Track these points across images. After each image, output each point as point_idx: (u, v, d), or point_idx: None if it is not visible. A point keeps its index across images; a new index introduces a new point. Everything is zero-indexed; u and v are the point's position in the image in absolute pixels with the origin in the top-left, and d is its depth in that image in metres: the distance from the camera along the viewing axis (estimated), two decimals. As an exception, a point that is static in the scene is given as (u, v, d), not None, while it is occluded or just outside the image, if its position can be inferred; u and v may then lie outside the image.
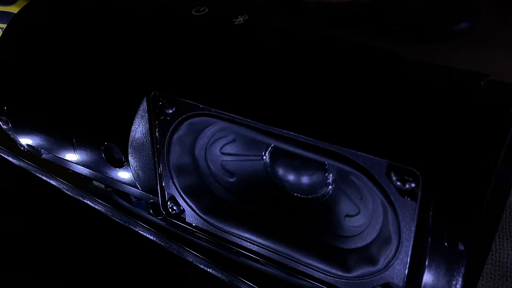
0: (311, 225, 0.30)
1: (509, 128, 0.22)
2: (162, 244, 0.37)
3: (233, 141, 0.32)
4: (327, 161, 0.27)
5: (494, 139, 0.22)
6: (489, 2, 0.47)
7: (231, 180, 0.32)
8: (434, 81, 0.26)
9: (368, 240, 0.28)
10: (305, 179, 0.30)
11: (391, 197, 0.23)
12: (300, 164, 0.30)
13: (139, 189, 0.34)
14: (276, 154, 0.31)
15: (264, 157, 0.31)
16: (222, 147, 0.32)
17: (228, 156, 0.32)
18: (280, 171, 0.31)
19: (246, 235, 0.31)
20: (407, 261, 0.24)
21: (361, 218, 0.28)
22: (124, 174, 0.33)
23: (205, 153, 0.31)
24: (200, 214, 0.32)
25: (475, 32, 0.45)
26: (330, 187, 0.30)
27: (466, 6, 0.46)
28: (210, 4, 0.34)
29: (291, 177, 0.30)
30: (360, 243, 0.28)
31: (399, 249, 0.25)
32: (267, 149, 0.31)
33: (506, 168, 0.24)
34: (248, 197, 0.32)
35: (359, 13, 0.48)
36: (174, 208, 0.33)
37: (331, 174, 0.29)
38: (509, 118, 0.23)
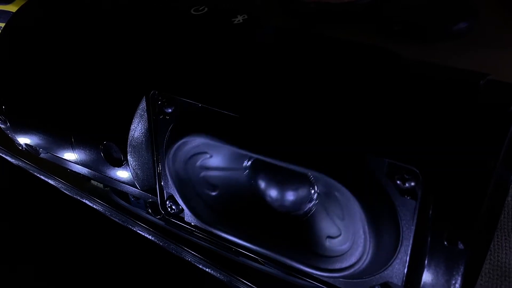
0: (294, 241, 0.29)
1: (508, 127, 0.22)
2: (161, 243, 0.37)
3: (211, 156, 0.30)
4: (309, 171, 0.26)
5: (494, 138, 0.22)
6: (488, 2, 0.47)
7: (213, 194, 0.31)
8: (433, 81, 0.26)
9: (352, 261, 0.26)
10: (288, 193, 0.29)
11: (391, 196, 0.23)
12: (284, 176, 0.28)
13: (138, 189, 0.34)
14: (259, 166, 0.29)
15: (246, 170, 0.30)
16: (202, 160, 0.30)
17: (209, 170, 0.30)
18: (263, 183, 0.29)
19: (238, 240, 0.30)
20: (406, 260, 0.24)
21: (343, 239, 0.27)
22: (123, 173, 0.33)
23: (185, 165, 0.30)
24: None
25: (474, 32, 0.45)
26: (313, 202, 0.28)
27: (465, 6, 0.46)
28: (210, 3, 0.34)
29: (274, 190, 0.29)
30: (344, 263, 0.26)
31: (399, 248, 0.24)
32: (248, 160, 0.30)
33: (505, 167, 0.24)
34: (231, 211, 0.30)
35: (359, 12, 0.47)
36: (173, 207, 0.33)
37: (315, 189, 0.28)
38: (508, 117, 0.23)
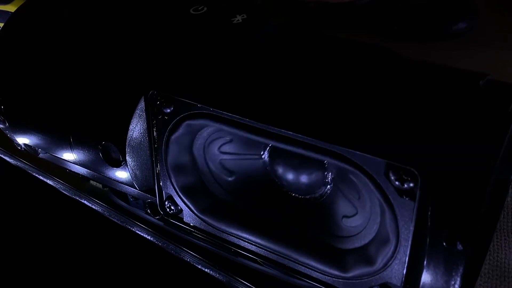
0: (309, 225, 0.30)
1: (507, 127, 0.22)
2: (160, 244, 0.36)
3: (231, 140, 0.31)
4: (326, 159, 0.27)
5: (493, 138, 0.22)
6: (488, 2, 0.47)
7: (230, 179, 0.32)
8: (433, 81, 0.26)
9: (366, 240, 0.27)
10: (303, 178, 0.30)
11: (390, 197, 0.23)
12: (299, 163, 0.30)
13: (137, 189, 0.34)
14: (275, 153, 0.31)
15: (263, 156, 0.31)
16: (221, 146, 0.32)
17: (227, 155, 0.32)
18: (279, 170, 0.31)
19: (244, 234, 0.31)
20: (405, 261, 0.24)
21: (359, 219, 0.28)
22: (121, 174, 0.33)
23: (203, 151, 0.31)
24: (198, 214, 0.32)
25: (474, 31, 0.45)
26: (328, 186, 0.30)
27: (465, 6, 0.46)
28: (209, 3, 0.34)
29: (289, 176, 0.30)
30: (358, 243, 0.28)
31: (398, 249, 0.24)
32: (265, 148, 0.31)
33: (504, 168, 0.24)
34: (247, 196, 0.32)
35: (359, 12, 0.47)
36: (172, 208, 0.32)
37: (330, 173, 0.29)
38: (507, 117, 0.23)
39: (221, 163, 0.32)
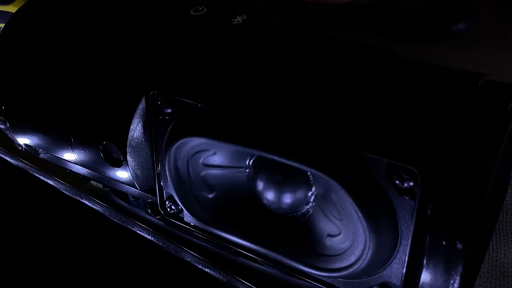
0: (292, 244, 0.29)
1: (507, 127, 0.22)
2: (160, 244, 0.37)
3: (215, 153, 0.30)
4: (309, 170, 0.26)
5: (492, 138, 0.22)
6: (488, 2, 0.47)
7: (210, 196, 0.31)
8: (432, 81, 0.26)
9: (351, 260, 0.26)
10: (287, 195, 0.28)
11: (390, 196, 0.23)
12: (283, 177, 0.28)
13: (137, 189, 0.34)
14: (259, 165, 0.29)
15: (247, 170, 0.30)
16: (205, 158, 0.30)
17: (211, 168, 0.30)
18: (261, 184, 0.29)
19: (237, 239, 0.30)
20: (405, 260, 0.24)
21: (343, 238, 0.27)
22: (122, 174, 0.33)
23: (187, 163, 0.30)
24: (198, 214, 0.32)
25: (474, 32, 0.45)
26: (310, 205, 0.29)
27: (465, 6, 0.46)
28: (210, 4, 0.34)
29: (271, 191, 0.28)
30: (343, 263, 0.26)
31: (397, 248, 0.25)
32: (250, 159, 0.30)
33: (503, 167, 0.24)
34: (227, 214, 0.30)
35: (359, 12, 0.48)
36: (173, 207, 0.33)
37: (313, 190, 0.28)
38: (507, 117, 0.23)
39: (203, 177, 0.31)
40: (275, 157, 0.25)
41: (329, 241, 0.28)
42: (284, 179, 0.28)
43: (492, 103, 0.24)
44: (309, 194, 0.28)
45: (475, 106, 0.24)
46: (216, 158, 0.30)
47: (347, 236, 0.26)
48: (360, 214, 0.23)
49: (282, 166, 0.26)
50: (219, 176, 0.31)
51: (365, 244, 0.24)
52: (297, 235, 0.29)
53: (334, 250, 0.27)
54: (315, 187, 0.28)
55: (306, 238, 0.28)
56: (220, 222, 0.30)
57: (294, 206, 0.29)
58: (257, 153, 0.27)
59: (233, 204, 0.30)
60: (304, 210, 0.29)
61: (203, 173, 0.30)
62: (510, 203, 0.35)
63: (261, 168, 0.29)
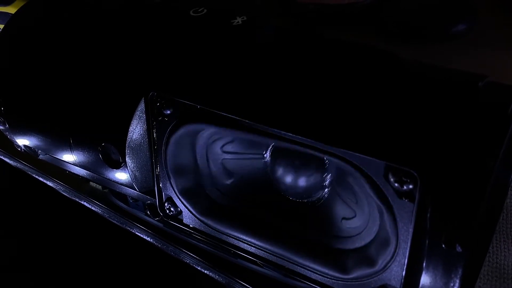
0: (308, 228, 0.30)
1: (507, 129, 0.22)
2: (159, 245, 0.36)
3: (234, 140, 0.31)
4: (327, 158, 0.27)
5: (492, 140, 0.22)
6: (488, 4, 0.47)
7: (229, 182, 0.32)
8: (432, 82, 0.26)
9: (366, 240, 0.27)
10: (302, 181, 0.30)
11: (389, 198, 0.23)
12: (299, 164, 0.30)
13: (137, 190, 0.34)
14: (277, 153, 0.31)
15: (265, 156, 0.31)
16: (224, 145, 0.32)
17: (229, 155, 0.32)
18: (279, 171, 0.30)
19: (243, 236, 0.31)
20: (404, 263, 0.24)
21: (358, 221, 0.28)
22: (121, 175, 0.33)
23: (206, 151, 0.31)
24: (198, 216, 0.32)
25: (473, 33, 0.45)
26: (326, 190, 0.30)
27: (465, 8, 0.46)
28: (209, 5, 0.34)
29: (289, 178, 0.30)
30: (358, 244, 0.28)
31: (397, 251, 0.24)
32: (268, 147, 0.31)
33: (503, 169, 0.24)
34: (245, 200, 0.32)
35: (358, 14, 0.47)
36: (172, 209, 0.32)
37: (329, 176, 0.29)
38: (507, 119, 0.23)
39: (223, 164, 0.32)
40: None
41: (344, 223, 0.29)
42: (301, 164, 0.29)
43: (492, 105, 0.24)
44: (325, 178, 0.29)
45: (475, 107, 0.24)
46: (234, 145, 0.31)
47: (362, 217, 0.27)
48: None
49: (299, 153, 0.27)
50: (237, 163, 0.32)
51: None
52: (312, 218, 0.30)
53: (349, 232, 0.28)
54: (330, 173, 0.29)
55: (321, 221, 0.29)
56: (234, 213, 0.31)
57: (311, 190, 0.30)
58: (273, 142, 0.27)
59: (251, 191, 0.31)
60: (320, 195, 0.30)
61: (222, 159, 0.32)
62: (510, 205, 0.35)
63: (280, 155, 0.30)
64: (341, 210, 0.29)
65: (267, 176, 0.31)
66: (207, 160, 0.32)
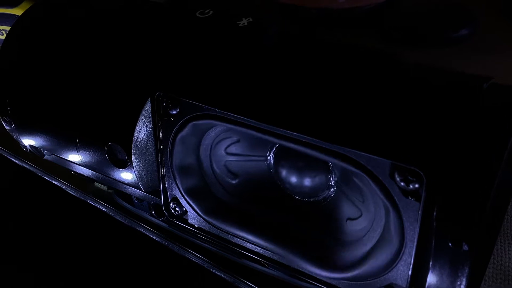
0: (313, 228, 0.30)
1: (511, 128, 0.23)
2: (165, 245, 0.36)
3: (238, 141, 0.31)
4: (331, 160, 0.27)
5: (497, 140, 0.22)
6: (488, 10, 0.48)
7: (234, 182, 0.32)
8: (437, 83, 0.26)
9: (371, 242, 0.27)
10: (307, 181, 0.30)
11: (395, 197, 0.24)
12: (303, 165, 0.30)
13: (142, 190, 0.34)
14: (280, 155, 0.31)
15: (269, 158, 0.31)
16: (227, 147, 0.32)
17: (232, 156, 0.32)
18: (283, 172, 0.31)
19: (248, 236, 0.31)
20: (410, 262, 0.24)
21: (363, 221, 0.28)
22: (127, 175, 0.33)
23: (210, 153, 0.31)
24: (203, 216, 0.32)
25: (475, 38, 0.45)
26: (332, 189, 0.30)
27: (465, 12, 0.47)
28: (216, 7, 0.34)
29: (293, 178, 0.30)
30: (363, 246, 0.28)
31: (403, 250, 0.25)
32: (271, 149, 0.31)
33: (509, 170, 0.24)
34: (250, 199, 0.32)
35: (361, 18, 0.48)
36: (177, 209, 0.33)
37: (334, 176, 0.29)
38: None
39: (226, 165, 0.32)
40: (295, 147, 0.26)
41: (349, 225, 0.29)
42: (305, 165, 0.30)
43: (497, 106, 0.24)
44: (330, 178, 0.29)
45: (480, 108, 0.24)
46: (238, 147, 0.31)
47: (367, 218, 0.27)
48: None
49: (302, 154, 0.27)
50: (241, 164, 0.32)
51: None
52: (317, 218, 0.30)
53: (354, 235, 0.28)
54: (335, 173, 0.29)
55: (327, 221, 0.29)
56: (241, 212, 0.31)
57: (316, 190, 0.30)
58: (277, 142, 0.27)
59: (256, 191, 0.32)
60: (326, 194, 0.30)
61: (226, 161, 0.32)
62: (514, 207, 0.35)
63: (283, 156, 0.31)
64: (347, 209, 0.29)
65: (271, 177, 0.32)
66: (210, 161, 0.32)
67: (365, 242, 0.28)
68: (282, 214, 0.31)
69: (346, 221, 0.29)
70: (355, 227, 0.29)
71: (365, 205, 0.28)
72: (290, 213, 0.31)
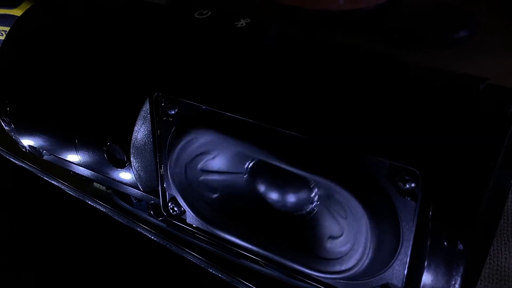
0: (295, 243, 0.29)
1: (507, 129, 0.23)
2: (163, 245, 0.37)
3: (213, 158, 0.30)
4: (307, 175, 0.26)
5: (493, 140, 0.23)
6: (489, 11, 0.48)
7: (213, 196, 0.31)
8: (434, 84, 0.26)
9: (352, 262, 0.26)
10: (288, 195, 0.29)
11: (392, 197, 0.24)
12: (281, 182, 0.29)
13: (140, 190, 0.34)
14: (256, 171, 0.30)
15: (245, 173, 0.30)
16: (204, 163, 0.30)
17: (209, 174, 0.30)
18: (261, 188, 0.30)
19: (238, 240, 0.30)
20: (406, 262, 0.25)
21: (345, 239, 0.27)
22: (125, 175, 0.33)
23: (185, 170, 0.30)
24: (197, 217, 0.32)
25: (474, 39, 0.45)
26: (315, 203, 0.29)
27: (465, 14, 0.47)
28: (214, 8, 0.34)
29: (273, 193, 0.29)
30: (344, 265, 0.26)
31: (399, 249, 0.25)
32: (247, 164, 0.30)
33: (504, 172, 0.25)
34: (232, 213, 0.30)
35: (361, 20, 0.48)
36: (175, 209, 0.33)
37: (315, 192, 0.28)
38: (507, 120, 0.23)
39: (204, 182, 0.31)
40: (275, 163, 0.25)
41: (330, 244, 0.28)
42: (284, 182, 0.29)
43: (493, 106, 0.24)
44: (312, 195, 0.28)
45: (476, 109, 0.24)
46: (215, 162, 0.30)
47: (349, 237, 0.26)
48: (364, 213, 0.23)
49: (281, 170, 0.26)
50: (220, 180, 0.31)
51: (366, 245, 0.24)
52: (300, 234, 0.29)
53: (335, 254, 0.27)
54: (317, 189, 0.28)
55: (309, 238, 0.28)
56: (225, 222, 0.30)
57: (298, 205, 0.29)
58: (258, 157, 0.27)
59: (237, 204, 0.30)
60: (309, 208, 0.29)
61: (203, 177, 0.30)
62: (511, 208, 0.35)
63: (260, 172, 0.29)
64: (329, 226, 0.28)
65: (251, 191, 0.30)
66: (187, 178, 0.30)
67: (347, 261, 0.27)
68: (266, 227, 0.30)
69: (328, 239, 0.28)
70: (336, 245, 0.27)
71: (348, 221, 0.27)
72: (273, 226, 0.30)
